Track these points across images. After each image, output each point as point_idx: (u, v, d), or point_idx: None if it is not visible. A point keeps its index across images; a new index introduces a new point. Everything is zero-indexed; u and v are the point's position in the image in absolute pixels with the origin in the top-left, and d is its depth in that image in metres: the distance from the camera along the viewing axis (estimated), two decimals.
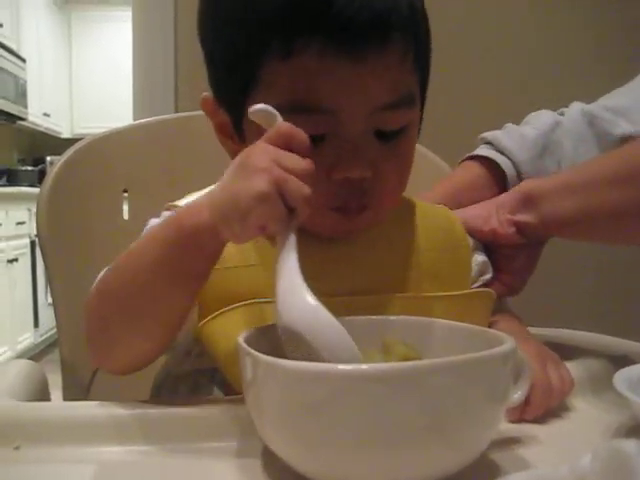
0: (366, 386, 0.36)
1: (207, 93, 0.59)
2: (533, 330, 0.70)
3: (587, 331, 0.78)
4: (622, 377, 0.50)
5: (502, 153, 0.81)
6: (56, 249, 0.83)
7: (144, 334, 0.51)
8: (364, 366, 0.36)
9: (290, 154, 0.45)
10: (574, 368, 0.59)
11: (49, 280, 0.85)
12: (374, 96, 0.52)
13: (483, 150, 0.83)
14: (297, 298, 0.43)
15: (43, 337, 4.01)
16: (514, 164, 0.81)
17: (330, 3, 0.48)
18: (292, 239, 0.45)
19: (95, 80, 5.24)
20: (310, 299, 0.42)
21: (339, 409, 0.37)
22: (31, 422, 0.49)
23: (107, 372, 0.55)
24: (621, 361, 0.58)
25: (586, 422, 0.54)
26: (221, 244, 0.48)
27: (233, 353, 0.44)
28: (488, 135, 0.85)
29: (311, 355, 0.41)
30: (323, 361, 0.40)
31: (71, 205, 0.86)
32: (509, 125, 0.87)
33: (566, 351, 0.65)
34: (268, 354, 0.39)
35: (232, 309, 0.52)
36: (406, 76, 0.53)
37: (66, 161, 0.85)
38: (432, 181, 0.83)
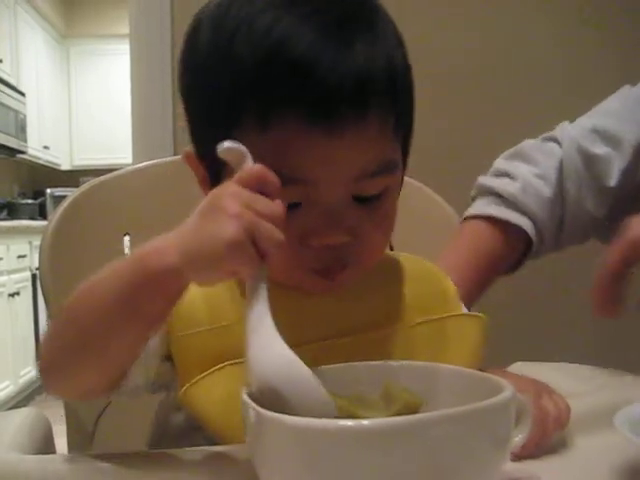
0: (367, 441, 0.36)
1: (189, 148, 0.57)
2: (536, 365, 0.70)
3: (591, 365, 0.78)
4: (623, 416, 0.50)
5: (518, 210, 0.80)
6: (58, 290, 0.84)
7: (92, 365, 0.50)
8: (365, 421, 0.36)
9: (262, 197, 0.43)
10: (578, 403, 0.59)
11: (51, 320, 0.85)
12: (353, 167, 0.51)
13: (505, 212, 0.80)
14: (270, 352, 0.41)
15: None
16: (534, 224, 0.80)
17: (307, 75, 0.48)
18: (263, 287, 0.43)
19: (94, 113, 5.28)
20: (285, 352, 0.41)
21: (340, 464, 0.37)
22: (35, 476, 0.49)
23: (50, 393, 0.54)
24: (625, 396, 0.58)
25: (589, 460, 0.54)
26: (184, 287, 0.47)
27: (221, 416, 0.46)
28: (498, 187, 0.81)
29: (284, 410, 0.39)
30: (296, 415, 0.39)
31: (73, 247, 0.86)
32: (506, 168, 0.83)
33: (570, 385, 0.65)
34: (270, 408, 0.40)
35: (211, 372, 0.52)
36: (386, 145, 0.52)
37: (69, 204, 0.87)
38: (431, 221, 0.83)
